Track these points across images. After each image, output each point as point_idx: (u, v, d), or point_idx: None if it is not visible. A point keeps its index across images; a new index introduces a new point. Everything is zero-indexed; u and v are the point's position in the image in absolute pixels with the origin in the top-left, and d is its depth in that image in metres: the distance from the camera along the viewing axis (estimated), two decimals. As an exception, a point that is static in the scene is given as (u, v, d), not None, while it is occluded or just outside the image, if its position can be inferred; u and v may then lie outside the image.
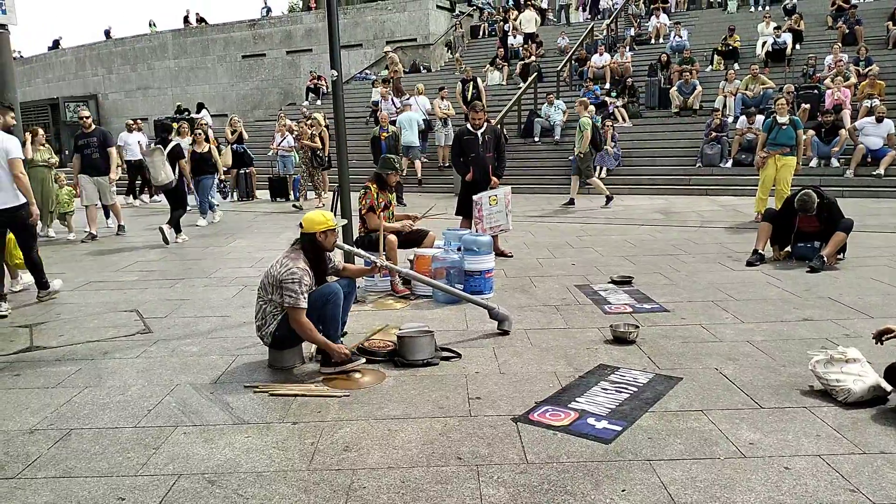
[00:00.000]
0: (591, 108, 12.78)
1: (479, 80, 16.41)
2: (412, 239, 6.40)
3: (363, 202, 6.22)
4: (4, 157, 5.75)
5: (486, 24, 24.86)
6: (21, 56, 30.03)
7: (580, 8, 24.81)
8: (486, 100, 15.56)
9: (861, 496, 2.62)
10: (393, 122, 13.89)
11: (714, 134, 13.26)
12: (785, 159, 8.82)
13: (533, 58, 19.06)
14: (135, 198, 14.57)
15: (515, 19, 21.65)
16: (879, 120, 11.66)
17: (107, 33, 30.99)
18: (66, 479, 2.92)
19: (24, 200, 5.89)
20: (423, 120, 15.34)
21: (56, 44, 32.06)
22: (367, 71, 23.04)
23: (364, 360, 4.15)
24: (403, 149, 15.02)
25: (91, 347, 4.78)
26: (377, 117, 14.42)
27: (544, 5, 24.74)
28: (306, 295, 4.00)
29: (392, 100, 16.17)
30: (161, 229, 9.07)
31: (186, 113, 21.15)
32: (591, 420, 3.33)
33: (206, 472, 2.95)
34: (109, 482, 2.88)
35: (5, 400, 3.84)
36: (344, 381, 3.94)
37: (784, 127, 8.79)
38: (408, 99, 16.01)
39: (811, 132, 12.27)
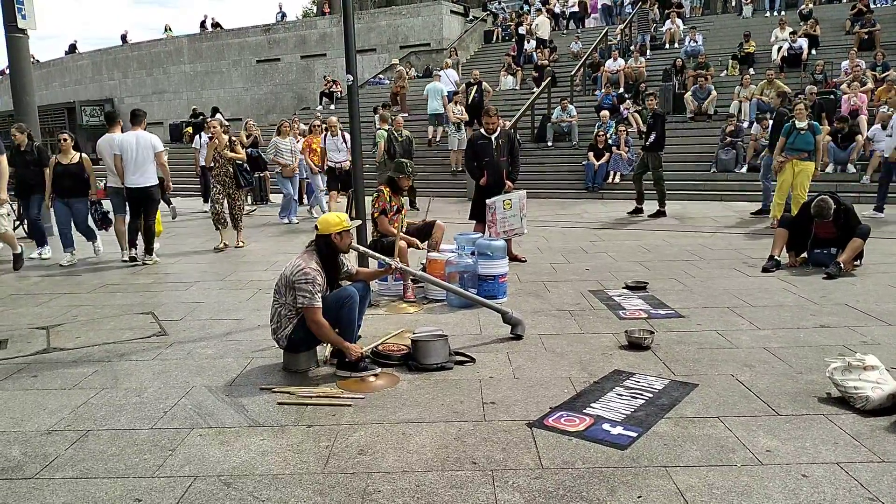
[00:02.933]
0: (401, 120, 12.67)
1: (484, 83, 16.40)
2: (422, 233, 6.42)
3: (376, 205, 6.26)
4: (152, 150, 8.02)
5: (500, 29, 24.87)
6: (38, 61, 30.36)
7: (574, 16, 24.73)
8: (489, 102, 15.53)
9: (881, 505, 2.60)
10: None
11: (729, 139, 13.20)
12: (802, 164, 8.70)
13: (547, 63, 19.04)
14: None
15: (530, 24, 21.63)
16: (884, 127, 11.53)
17: (123, 38, 31.32)
18: (84, 479, 2.94)
19: (156, 181, 8.07)
20: (450, 92, 15.41)
21: (72, 48, 32.42)
22: (380, 76, 23.11)
23: (379, 370, 4.15)
24: (430, 117, 14.98)
25: (107, 349, 4.82)
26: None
27: (557, 10, 24.71)
28: (320, 294, 4.02)
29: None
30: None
31: (201, 117, 21.31)
32: (606, 426, 3.32)
33: (221, 474, 2.96)
34: (126, 483, 2.90)
35: (23, 401, 3.88)
36: (358, 385, 3.95)
37: (803, 132, 8.66)
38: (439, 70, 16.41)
39: (828, 137, 12.17)
